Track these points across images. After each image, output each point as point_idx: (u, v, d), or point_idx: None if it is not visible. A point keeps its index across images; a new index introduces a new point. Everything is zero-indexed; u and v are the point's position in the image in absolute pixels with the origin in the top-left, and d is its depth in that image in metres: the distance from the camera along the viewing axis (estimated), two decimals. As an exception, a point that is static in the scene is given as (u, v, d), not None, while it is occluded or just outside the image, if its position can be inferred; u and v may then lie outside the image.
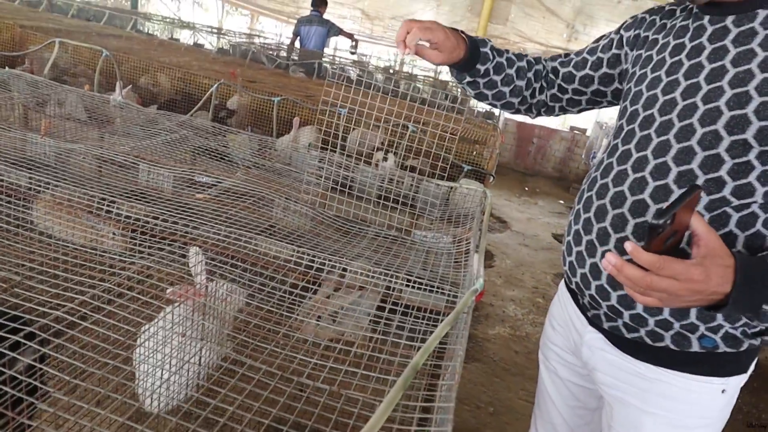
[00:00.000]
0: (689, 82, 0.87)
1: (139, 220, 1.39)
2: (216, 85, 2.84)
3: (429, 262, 1.54)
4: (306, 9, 8.65)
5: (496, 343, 3.01)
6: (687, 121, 0.85)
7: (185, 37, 6.95)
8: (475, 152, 3.30)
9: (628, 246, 0.67)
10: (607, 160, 0.98)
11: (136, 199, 1.51)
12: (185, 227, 1.31)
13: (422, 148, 3.05)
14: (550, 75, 1.19)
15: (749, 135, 0.79)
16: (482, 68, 1.12)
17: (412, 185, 2.19)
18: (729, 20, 0.85)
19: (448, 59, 1.07)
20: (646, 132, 0.91)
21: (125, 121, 2.27)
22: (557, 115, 1.25)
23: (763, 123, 0.78)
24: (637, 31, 1.04)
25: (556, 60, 1.19)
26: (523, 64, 1.17)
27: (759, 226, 0.82)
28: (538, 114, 1.25)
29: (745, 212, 0.82)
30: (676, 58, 0.91)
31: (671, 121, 0.88)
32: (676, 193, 0.85)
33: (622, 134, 0.97)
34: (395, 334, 1.10)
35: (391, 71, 7.32)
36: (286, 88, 3.60)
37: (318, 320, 1.40)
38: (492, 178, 2.98)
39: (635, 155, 0.91)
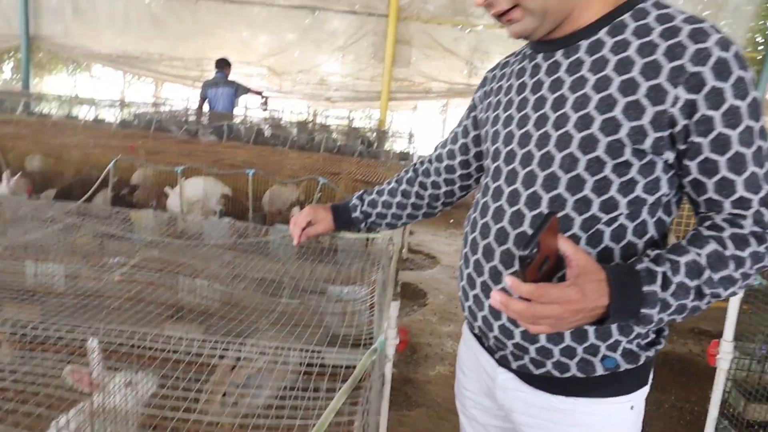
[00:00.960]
0: (538, 113, 0.92)
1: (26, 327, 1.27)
2: (113, 162, 2.73)
3: (346, 319, 1.51)
4: (210, 71, 8.61)
5: (437, 383, 2.98)
6: (545, 149, 0.90)
7: (84, 113, 6.70)
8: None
9: (507, 281, 0.70)
10: (482, 199, 1.02)
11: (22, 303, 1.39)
12: (73, 332, 1.21)
13: (336, 198, 3.06)
14: (433, 165, 1.28)
15: (600, 152, 0.85)
16: (358, 214, 1.32)
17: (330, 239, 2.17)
18: (559, 54, 0.92)
19: (329, 226, 1.32)
20: (511, 166, 0.95)
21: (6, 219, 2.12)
22: (470, 191, 1.30)
23: (610, 138, 0.84)
24: (483, 89, 1.12)
25: (431, 161, 1.28)
26: (393, 186, 1.32)
27: (630, 236, 0.88)
28: (447, 204, 1.32)
29: (614, 225, 0.87)
30: (522, 95, 0.97)
31: (530, 152, 0.92)
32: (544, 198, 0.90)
33: (491, 172, 1.01)
34: (305, 407, 1.06)
35: (306, 123, 7.38)
36: (192, 155, 3.52)
37: (223, 398, 1.33)
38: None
39: (507, 190, 0.95)
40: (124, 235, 2.04)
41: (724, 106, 0.79)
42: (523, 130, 0.95)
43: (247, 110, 7.47)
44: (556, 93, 0.90)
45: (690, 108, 0.79)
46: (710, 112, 0.79)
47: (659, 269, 0.77)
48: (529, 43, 0.99)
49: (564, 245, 0.74)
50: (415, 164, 1.32)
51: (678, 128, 0.81)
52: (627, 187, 0.86)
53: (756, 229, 0.81)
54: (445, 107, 9.88)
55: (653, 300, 0.77)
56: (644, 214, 0.88)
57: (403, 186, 1.30)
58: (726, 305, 1.95)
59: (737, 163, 0.80)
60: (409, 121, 9.86)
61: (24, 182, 2.83)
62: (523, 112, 0.96)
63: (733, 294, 0.83)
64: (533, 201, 0.91)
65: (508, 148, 0.97)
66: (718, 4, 7.54)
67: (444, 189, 1.27)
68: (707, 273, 0.78)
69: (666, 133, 0.82)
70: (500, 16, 0.90)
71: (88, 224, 2.11)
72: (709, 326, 4.02)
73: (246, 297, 1.67)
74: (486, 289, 0.97)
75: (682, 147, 0.83)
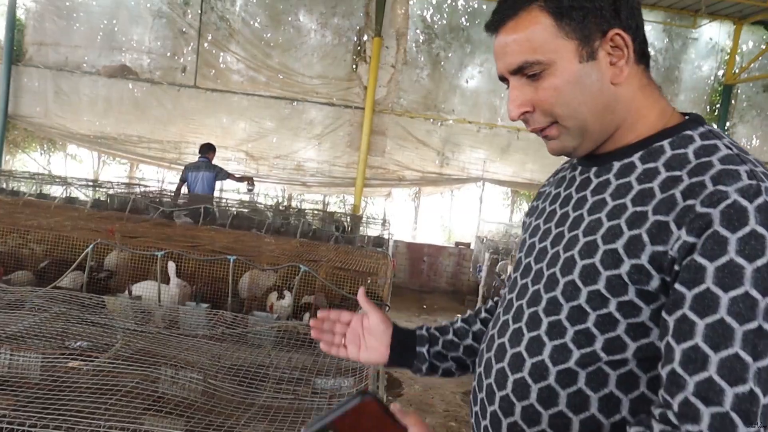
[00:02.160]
0: (558, 230, 0.87)
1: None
2: (91, 246, 2.70)
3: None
4: (189, 154, 8.76)
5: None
6: (552, 270, 0.84)
7: (57, 191, 6.64)
8: (369, 281, 3.36)
9: None
10: (499, 309, 0.94)
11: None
12: (48, 428, 1.16)
13: (315, 285, 3.06)
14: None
15: (601, 285, 0.76)
16: (424, 350, 1.06)
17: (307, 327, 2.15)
18: (592, 171, 0.87)
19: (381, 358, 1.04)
20: (524, 281, 0.89)
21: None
22: None
23: (609, 273, 0.75)
24: (542, 190, 1.04)
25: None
26: (460, 325, 1.11)
27: (643, 387, 0.76)
28: None
29: (622, 371, 0.76)
30: (552, 207, 0.92)
31: (542, 269, 0.86)
32: (548, 346, 0.81)
33: (510, 283, 0.95)
34: None
35: (281, 207, 7.46)
36: (170, 239, 3.50)
37: None
38: (387, 308, 3.02)
39: (515, 304, 0.89)
40: (103, 323, 1.99)
41: (722, 259, 0.66)
42: (542, 245, 0.89)
43: (222, 193, 7.55)
44: (577, 212, 0.85)
45: (686, 252, 0.69)
46: (703, 261, 0.67)
47: None
48: None
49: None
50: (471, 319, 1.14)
51: (673, 275, 0.71)
52: (637, 331, 0.75)
53: None
54: (417, 194, 10.17)
55: None
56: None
57: (482, 317, 1.10)
58: None
59: (718, 335, 0.64)
60: (382, 207, 10.07)
61: (-6, 264, 2.75)
62: (547, 225, 0.90)
63: None
64: (533, 322, 0.84)
65: (528, 260, 0.91)
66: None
67: None
68: None
69: (668, 278, 0.71)
70: (539, 131, 0.85)
71: (62, 309, 2.05)
72: None
73: (228, 388, 1.63)
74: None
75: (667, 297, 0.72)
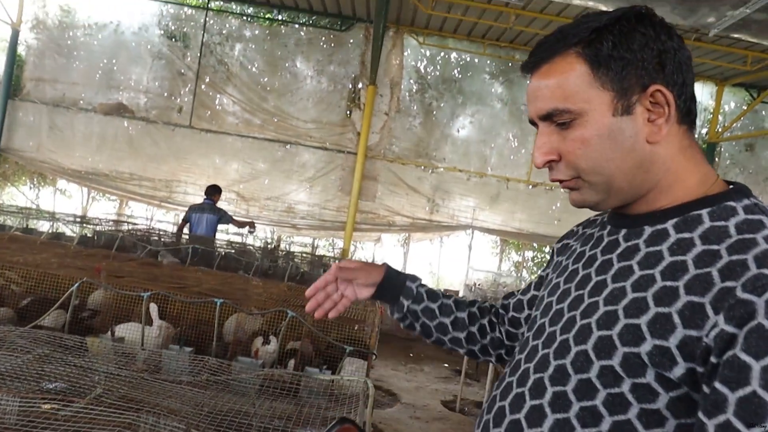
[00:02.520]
0: (577, 293, 0.80)
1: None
2: (77, 285, 2.66)
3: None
4: (179, 193, 8.76)
5: None
6: (565, 336, 0.77)
7: (44, 227, 6.57)
8: (357, 328, 3.32)
9: None
10: (506, 369, 0.89)
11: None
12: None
13: (302, 330, 3.02)
14: (500, 311, 1.12)
15: (615, 361, 0.69)
16: (413, 286, 1.10)
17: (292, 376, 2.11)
18: (621, 233, 0.80)
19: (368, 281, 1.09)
20: (535, 342, 0.83)
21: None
22: None
23: (627, 349, 0.68)
24: (566, 241, 0.98)
25: (506, 298, 1.13)
26: (462, 299, 1.13)
27: None
28: (498, 359, 1.13)
29: None
30: (575, 266, 0.85)
31: (555, 333, 0.80)
32: (549, 418, 0.74)
33: (522, 341, 0.89)
34: None
35: (270, 248, 7.43)
36: (157, 280, 3.46)
37: None
38: (374, 357, 2.98)
39: (522, 367, 0.83)
40: (84, 365, 1.94)
41: None
42: (559, 306, 0.82)
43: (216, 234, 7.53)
44: (600, 276, 0.78)
45: (725, 344, 0.60)
46: (747, 359, 0.58)
47: None
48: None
49: None
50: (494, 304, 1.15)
51: (709, 366, 0.62)
52: (651, 419, 0.67)
53: None
54: (407, 240, 10.18)
55: None
56: None
57: (473, 309, 1.11)
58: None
59: None
60: (371, 252, 10.05)
61: (-25, 300, 2.69)
62: (567, 286, 0.84)
63: None
64: (538, 389, 0.77)
65: (542, 320, 0.85)
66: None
67: (505, 328, 1.10)
68: None
69: (701, 369, 0.63)
70: (560, 182, 0.81)
71: (45, 351, 2.00)
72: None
73: (209, 440, 1.58)
74: None
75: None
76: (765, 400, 0.56)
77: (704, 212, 0.72)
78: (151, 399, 1.77)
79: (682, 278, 0.67)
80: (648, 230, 0.76)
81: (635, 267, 0.73)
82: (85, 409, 1.57)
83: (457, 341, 1.11)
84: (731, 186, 0.76)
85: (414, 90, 9.00)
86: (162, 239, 6.11)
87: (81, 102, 8.79)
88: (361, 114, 8.65)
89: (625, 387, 0.68)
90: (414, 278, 1.12)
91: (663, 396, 0.66)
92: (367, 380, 1.72)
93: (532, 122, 0.81)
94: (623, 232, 0.80)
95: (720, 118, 9.09)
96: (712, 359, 0.61)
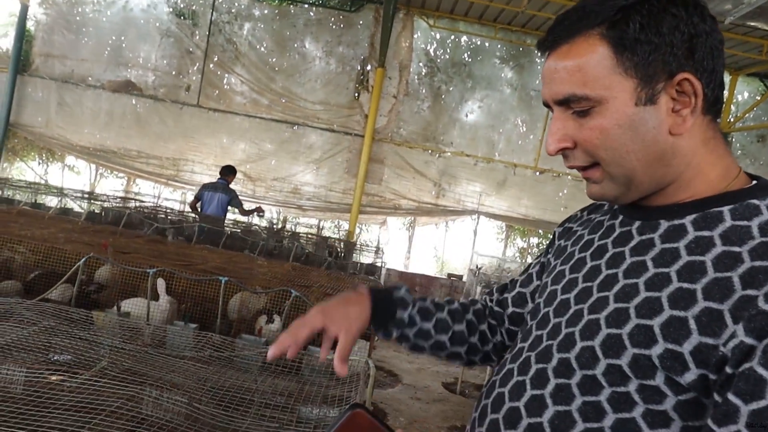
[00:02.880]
0: (585, 285, 0.76)
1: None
2: (84, 259, 2.69)
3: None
4: (186, 172, 8.79)
5: None
6: (571, 329, 0.74)
7: (52, 202, 6.63)
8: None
9: None
10: (507, 356, 0.86)
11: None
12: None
13: (306, 310, 3.05)
14: (496, 309, 1.04)
15: (624, 361, 0.66)
16: (404, 315, 0.98)
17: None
18: (635, 225, 0.76)
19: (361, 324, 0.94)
20: (539, 332, 0.80)
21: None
22: None
23: (637, 350, 0.65)
24: (569, 225, 0.94)
25: (502, 293, 1.04)
26: (456, 307, 1.04)
27: None
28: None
29: None
30: (582, 255, 0.81)
31: (559, 325, 0.76)
32: (550, 409, 0.72)
33: (524, 330, 0.86)
34: None
35: (275, 229, 7.47)
36: (163, 257, 3.49)
37: None
38: (377, 338, 3.01)
39: (523, 355, 0.80)
40: (89, 338, 1.97)
41: None
42: (565, 296, 0.78)
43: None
44: (611, 270, 0.74)
45: (743, 355, 0.58)
46: (764, 373, 0.56)
47: None
48: None
49: None
50: (484, 298, 1.08)
51: (723, 376, 0.60)
52: (656, 419, 0.64)
53: None
54: (412, 224, 10.20)
55: None
56: None
57: (470, 317, 1.03)
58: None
59: None
60: (376, 235, 10.08)
61: (-17, 272, 2.73)
62: (574, 275, 0.80)
63: None
64: (540, 379, 0.74)
65: (546, 309, 0.81)
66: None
67: (506, 327, 1.02)
68: None
69: (714, 376, 0.61)
70: (578, 169, 0.76)
71: (51, 323, 2.03)
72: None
73: (212, 413, 1.61)
74: None
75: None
76: None
77: (725, 209, 0.68)
78: (154, 373, 1.80)
79: (700, 281, 0.64)
80: (664, 224, 0.72)
81: (649, 263, 0.70)
82: (90, 380, 1.61)
83: (456, 356, 1.03)
84: (755, 181, 0.72)
85: (423, 73, 8.93)
86: (169, 217, 6.15)
87: (90, 79, 8.79)
88: (369, 96, 8.61)
89: (632, 387, 0.66)
90: (404, 302, 0.99)
91: (671, 398, 0.64)
92: (369, 360, 1.74)
93: (546, 104, 0.76)
94: (637, 224, 0.76)
95: (732, 108, 8.98)
96: (728, 369, 0.59)
